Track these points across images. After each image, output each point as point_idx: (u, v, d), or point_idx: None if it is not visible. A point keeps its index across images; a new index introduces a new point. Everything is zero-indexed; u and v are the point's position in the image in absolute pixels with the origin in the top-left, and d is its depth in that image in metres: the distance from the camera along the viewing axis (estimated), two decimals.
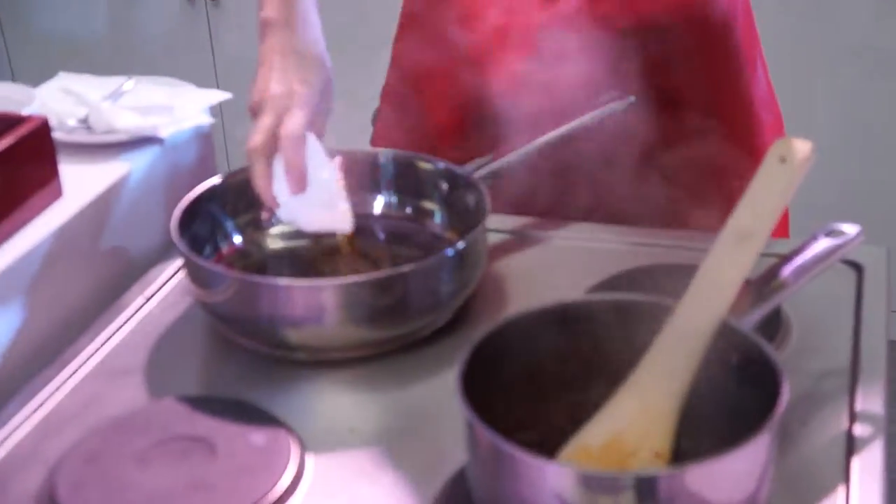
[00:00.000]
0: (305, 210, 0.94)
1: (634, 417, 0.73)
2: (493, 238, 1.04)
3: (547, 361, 0.77)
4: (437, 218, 1.02)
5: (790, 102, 1.24)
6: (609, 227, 1.05)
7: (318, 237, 0.98)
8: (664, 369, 0.73)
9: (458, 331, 0.92)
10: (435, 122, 1.13)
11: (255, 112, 0.93)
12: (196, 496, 0.76)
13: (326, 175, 0.93)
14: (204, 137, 1.13)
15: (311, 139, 0.92)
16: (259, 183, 0.91)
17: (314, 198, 0.93)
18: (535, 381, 0.77)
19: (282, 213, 0.94)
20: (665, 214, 1.05)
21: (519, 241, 1.05)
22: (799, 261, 0.78)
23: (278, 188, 0.92)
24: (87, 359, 0.92)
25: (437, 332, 0.92)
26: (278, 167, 0.92)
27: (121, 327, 0.96)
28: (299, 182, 0.91)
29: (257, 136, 0.91)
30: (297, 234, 1.00)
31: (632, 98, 1.05)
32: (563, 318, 0.77)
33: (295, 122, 0.90)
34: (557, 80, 1.04)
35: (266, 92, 0.91)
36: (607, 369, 0.77)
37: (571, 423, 0.75)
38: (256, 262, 0.99)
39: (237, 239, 1.01)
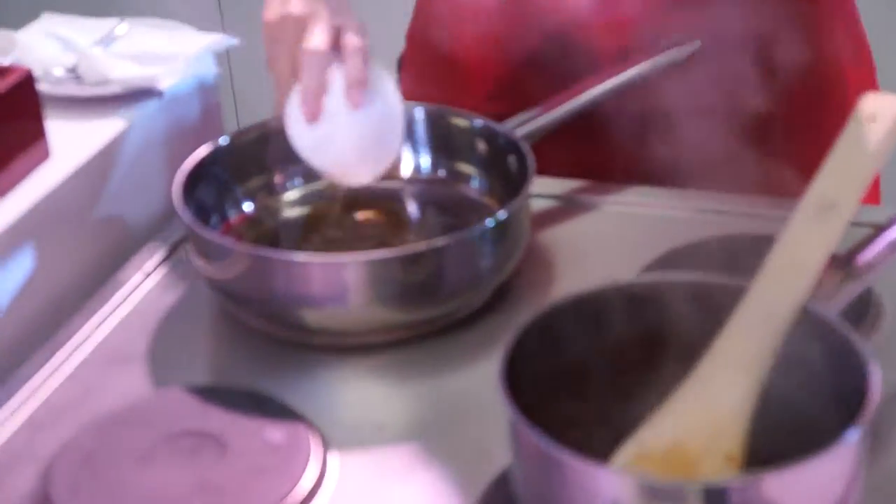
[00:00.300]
0: (347, 151, 0.93)
1: (701, 416, 0.72)
2: (538, 204, 1.04)
3: (600, 350, 0.77)
4: (475, 182, 1.02)
5: (885, 52, 1.22)
6: (670, 191, 1.05)
7: (344, 202, 0.98)
8: (735, 361, 0.73)
9: (498, 312, 0.92)
10: (468, 68, 1.12)
11: (272, 35, 0.92)
12: (204, 499, 0.77)
13: (388, 103, 0.92)
14: (209, 90, 1.13)
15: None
16: (312, 88, 0.90)
17: (363, 134, 0.92)
18: (588, 373, 0.77)
19: (314, 153, 0.93)
20: (734, 178, 1.04)
21: (567, 207, 1.05)
22: (893, 234, 0.78)
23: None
24: (81, 343, 0.93)
25: (476, 313, 0.92)
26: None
27: (118, 307, 0.96)
28: (360, 95, 0.90)
29: (321, 36, 0.90)
30: (316, 199, 1.00)
31: (697, 43, 1.04)
32: (619, 302, 0.77)
33: (357, 31, 0.89)
34: (613, 17, 1.03)
35: (289, 5, 0.90)
36: (669, 360, 0.76)
37: (628, 420, 0.75)
38: (269, 232, 1.00)
39: (247, 206, 1.01)
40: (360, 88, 0.91)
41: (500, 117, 1.01)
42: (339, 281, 0.87)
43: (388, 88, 0.94)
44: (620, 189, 1.06)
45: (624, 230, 1.01)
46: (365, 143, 0.94)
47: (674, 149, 1.06)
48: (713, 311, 0.74)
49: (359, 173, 0.96)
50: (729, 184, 1.03)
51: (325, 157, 0.95)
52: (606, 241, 1.00)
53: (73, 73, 1.09)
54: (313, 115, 0.92)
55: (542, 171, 1.00)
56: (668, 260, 0.93)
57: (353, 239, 0.97)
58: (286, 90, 0.95)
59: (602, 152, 1.08)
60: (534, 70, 1.08)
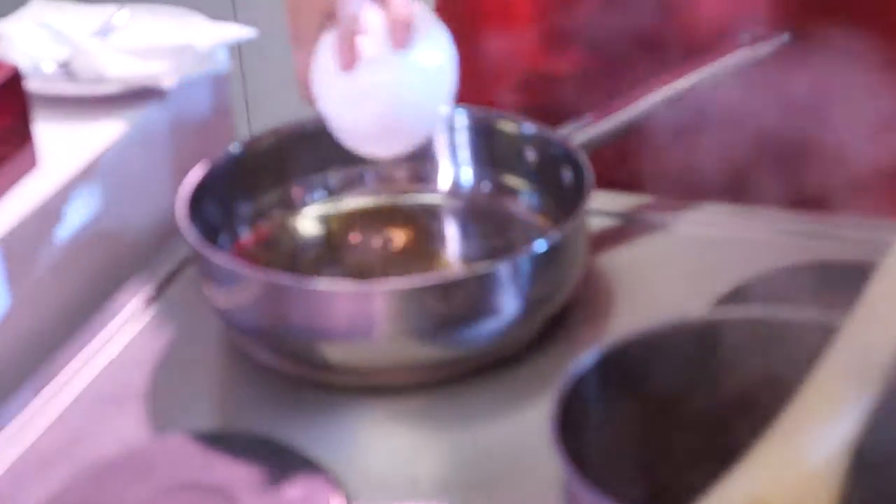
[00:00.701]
0: (388, 108, 0.89)
1: (786, 473, 0.72)
2: (597, 223, 1.03)
3: (666, 396, 0.76)
4: (524, 198, 1.02)
5: None
6: (748, 209, 1.05)
7: (372, 220, 0.98)
8: (826, 409, 0.72)
9: (549, 350, 0.92)
10: (494, 57, 1.11)
11: None
12: None
13: (437, 49, 0.89)
14: (220, 90, 1.14)
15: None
16: (349, 29, 0.87)
17: (408, 86, 0.89)
18: (652, 422, 0.77)
19: (345, 111, 0.90)
20: (824, 195, 1.04)
21: (629, 227, 1.05)
22: None
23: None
24: (70, 381, 0.93)
25: (523, 350, 0.92)
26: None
27: (112, 339, 0.97)
28: (406, 35, 0.87)
29: None
30: (340, 216, 1.00)
31: (784, 37, 1.03)
32: (689, 340, 0.76)
33: None
34: (683, 4, 1.03)
35: None
36: (747, 408, 0.76)
37: (699, 477, 0.74)
38: (286, 254, 1.00)
39: (262, 224, 1.02)
40: (406, 27, 0.87)
41: (530, 114, 1.01)
42: (366, 312, 0.87)
43: (437, 33, 0.90)
44: (691, 206, 1.06)
45: (694, 255, 1.01)
46: (410, 98, 0.90)
47: (745, 160, 1.06)
48: (800, 351, 0.74)
49: (399, 138, 0.91)
50: (815, 203, 1.02)
51: (359, 117, 0.90)
52: (675, 267, 1.00)
53: (66, 69, 1.10)
54: (350, 60, 0.88)
55: (599, 184, 0.99)
56: (746, 290, 0.92)
57: (383, 263, 0.98)
58: (310, 46, 0.91)
59: (668, 164, 1.08)
60: (574, 58, 1.08)
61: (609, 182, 1.04)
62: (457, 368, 0.90)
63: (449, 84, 0.91)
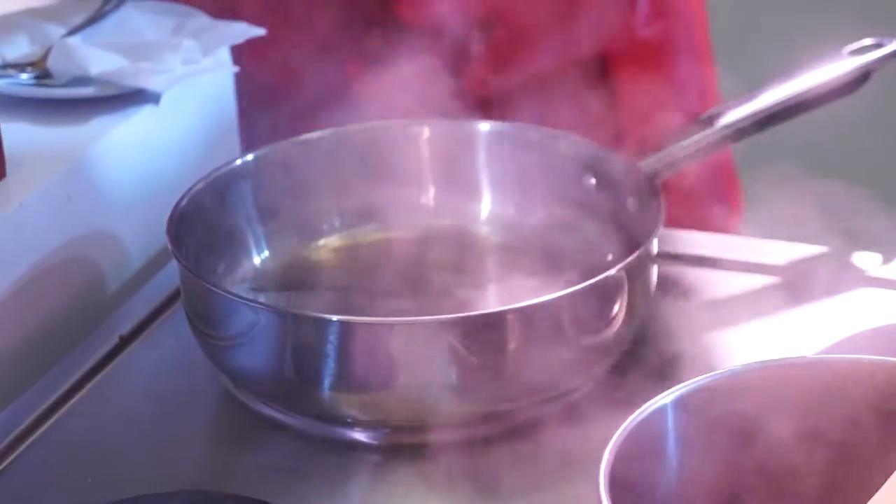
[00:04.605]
0: None
1: None
2: (663, 264, 1.03)
3: (741, 457, 0.76)
4: (579, 230, 1.02)
5: None
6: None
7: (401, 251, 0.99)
8: None
9: (605, 404, 0.90)
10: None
11: None
12: None
13: None
14: (222, 93, 1.14)
15: None
16: None
17: None
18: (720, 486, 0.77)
19: None
20: None
21: (701, 267, 1.05)
22: None
23: None
24: (41, 430, 0.93)
25: (579, 402, 0.91)
26: None
27: (87, 384, 0.96)
28: None
29: None
30: (363, 244, 1.02)
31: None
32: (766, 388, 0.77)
33: None
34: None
35: None
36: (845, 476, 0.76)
37: None
38: (297, 285, 1.00)
39: (267, 251, 1.02)
40: None
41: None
42: (391, 353, 0.86)
43: None
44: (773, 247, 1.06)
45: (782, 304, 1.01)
46: None
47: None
48: None
49: None
50: None
51: None
52: (753, 314, 1.00)
53: (41, 69, 1.10)
54: None
55: (669, 221, 0.99)
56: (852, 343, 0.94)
57: (407, 302, 0.98)
58: None
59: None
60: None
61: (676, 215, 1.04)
62: (501, 423, 0.90)
63: None
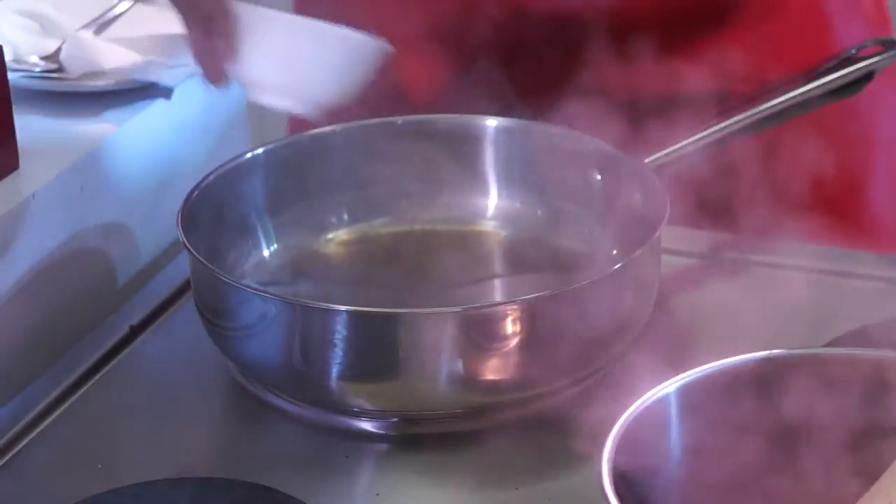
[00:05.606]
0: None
1: None
2: (667, 262, 1.02)
3: (744, 446, 0.77)
4: (585, 225, 1.02)
5: None
6: (850, 252, 1.05)
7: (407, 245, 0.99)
8: None
9: (605, 399, 0.90)
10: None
11: None
12: None
13: None
14: (232, 87, 1.13)
15: None
16: None
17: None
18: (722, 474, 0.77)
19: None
20: None
21: (706, 266, 1.05)
22: None
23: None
24: (52, 418, 0.93)
25: (584, 393, 0.92)
26: None
27: (97, 373, 0.97)
28: None
29: None
30: (370, 238, 1.01)
31: None
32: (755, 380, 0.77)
33: None
34: None
35: None
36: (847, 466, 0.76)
37: None
38: (305, 277, 1.01)
39: (276, 243, 1.02)
40: None
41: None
42: (398, 345, 0.87)
43: None
44: (781, 245, 1.06)
45: (783, 301, 1.00)
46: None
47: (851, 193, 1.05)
48: None
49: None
50: None
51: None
52: (757, 315, 0.99)
53: (55, 62, 1.11)
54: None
55: (673, 218, 0.98)
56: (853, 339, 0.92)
57: (415, 297, 0.98)
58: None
59: (754, 196, 1.08)
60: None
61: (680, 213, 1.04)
62: (504, 413, 0.90)
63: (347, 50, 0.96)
